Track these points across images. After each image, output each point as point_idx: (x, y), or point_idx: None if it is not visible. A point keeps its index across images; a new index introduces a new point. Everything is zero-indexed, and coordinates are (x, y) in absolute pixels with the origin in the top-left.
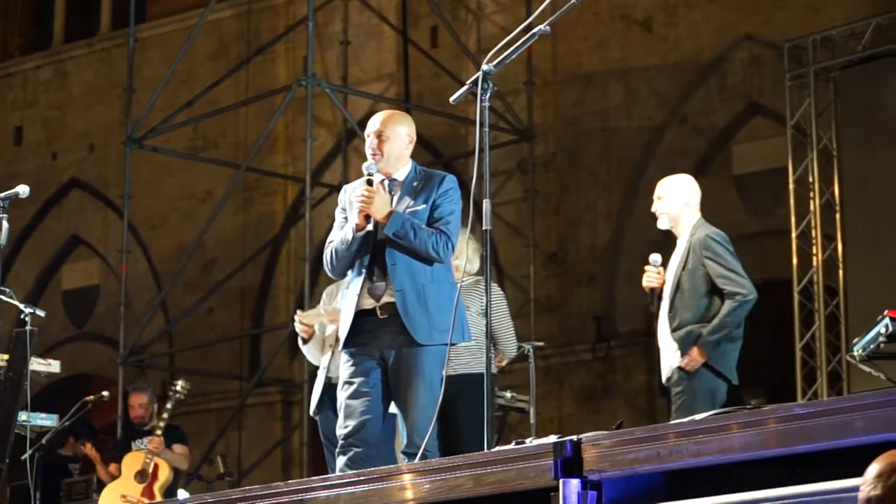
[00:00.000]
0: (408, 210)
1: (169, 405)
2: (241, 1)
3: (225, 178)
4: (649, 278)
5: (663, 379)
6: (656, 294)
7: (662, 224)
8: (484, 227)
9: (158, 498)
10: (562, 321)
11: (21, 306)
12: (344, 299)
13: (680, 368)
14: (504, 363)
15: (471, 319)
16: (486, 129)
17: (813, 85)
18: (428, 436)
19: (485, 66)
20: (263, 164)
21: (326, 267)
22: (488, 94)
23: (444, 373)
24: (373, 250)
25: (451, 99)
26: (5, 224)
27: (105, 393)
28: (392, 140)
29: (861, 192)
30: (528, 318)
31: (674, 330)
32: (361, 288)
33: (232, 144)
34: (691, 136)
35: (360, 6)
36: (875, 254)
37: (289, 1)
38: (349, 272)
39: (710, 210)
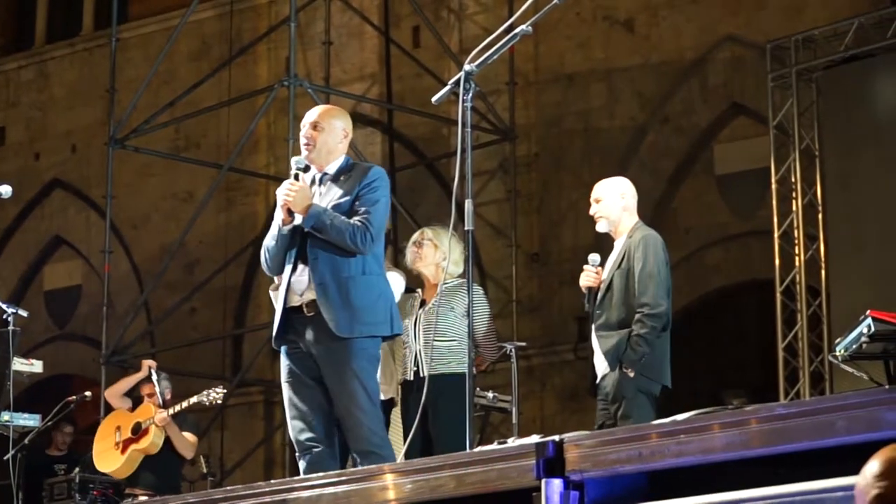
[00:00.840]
0: (332, 202)
1: (193, 399)
2: (223, 1)
3: (207, 178)
4: (587, 277)
5: (598, 378)
6: (592, 293)
7: (601, 227)
8: (466, 228)
9: (125, 456)
10: (544, 321)
11: (3, 307)
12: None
13: (608, 375)
14: (484, 366)
15: (455, 321)
16: (468, 130)
17: (795, 85)
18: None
19: (467, 67)
20: (245, 164)
21: (263, 266)
22: (470, 95)
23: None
24: (299, 246)
25: (433, 99)
26: None
27: (87, 393)
28: (327, 132)
29: (843, 193)
30: (511, 318)
31: (598, 329)
32: (288, 284)
33: (214, 145)
34: (674, 137)
35: (342, 6)
36: (858, 254)
37: (271, 1)
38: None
39: (692, 210)
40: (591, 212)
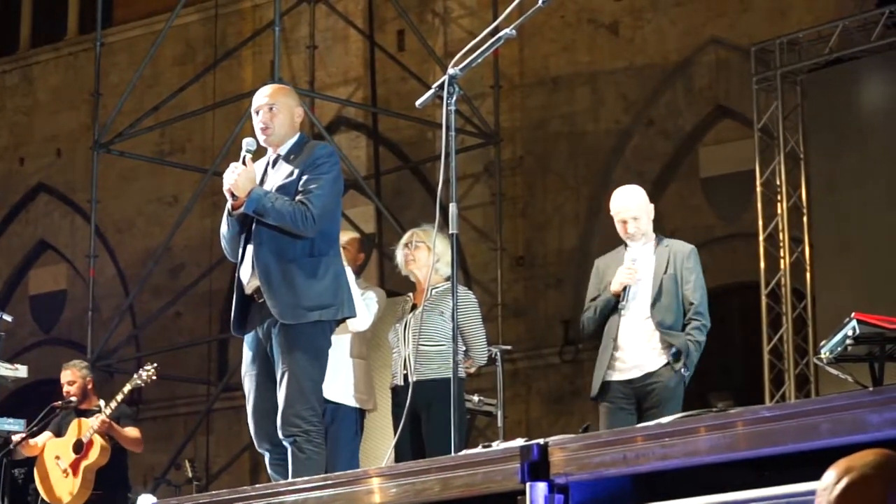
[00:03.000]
0: (278, 183)
1: (127, 387)
2: (208, 5)
3: (192, 182)
4: (628, 275)
5: (624, 376)
6: (628, 290)
7: (637, 241)
8: (451, 231)
9: (79, 477)
10: (529, 325)
11: None
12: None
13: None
14: (473, 369)
15: (445, 325)
16: (452, 133)
17: (780, 88)
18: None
19: (451, 70)
20: None
21: (225, 253)
22: (454, 98)
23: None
24: (248, 231)
25: (417, 103)
26: None
27: (73, 398)
28: (282, 111)
29: (828, 195)
30: (496, 321)
31: (661, 330)
32: (240, 269)
33: (199, 149)
34: (658, 139)
35: (326, 10)
36: (842, 256)
37: (255, 5)
38: None
39: (677, 213)
40: (630, 230)
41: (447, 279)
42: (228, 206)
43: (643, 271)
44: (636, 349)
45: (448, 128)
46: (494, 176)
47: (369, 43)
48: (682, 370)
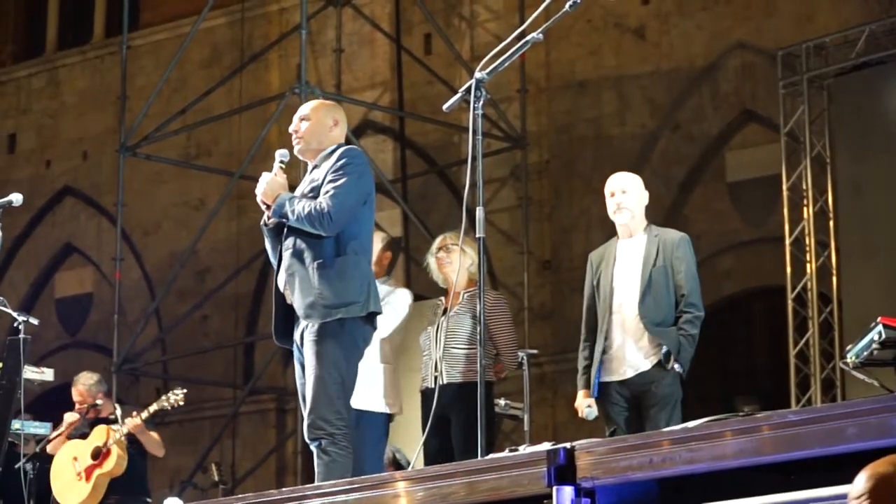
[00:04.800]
0: (307, 187)
1: (153, 407)
2: (235, 9)
3: (218, 185)
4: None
5: (621, 376)
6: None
7: (623, 218)
8: (477, 235)
9: (91, 483)
10: (556, 328)
11: (14, 314)
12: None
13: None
14: (504, 374)
15: (475, 329)
16: (479, 137)
17: (806, 92)
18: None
19: (477, 74)
20: (257, 171)
21: (273, 265)
22: (481, 102)
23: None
24: (283, 239)
25: (444, 107)
26: None
27: (99, 401)
28: (313, 122)
29: (855, 200)
30: (523, 325)
31: (649, 325)
32: (277, 280)
33: (225, 152)
34: (684, 144)
35: (353, 14)
36: (869, 261)
37: (282, 9)
38: None
39: (703, 217)
40: (616, 201)
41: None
42: (264, 217)
43: (631, 265)
44: (627, 349)
45: (475, 131)
46: (521, 180)
47: (396, 46)
48: (676, 367)
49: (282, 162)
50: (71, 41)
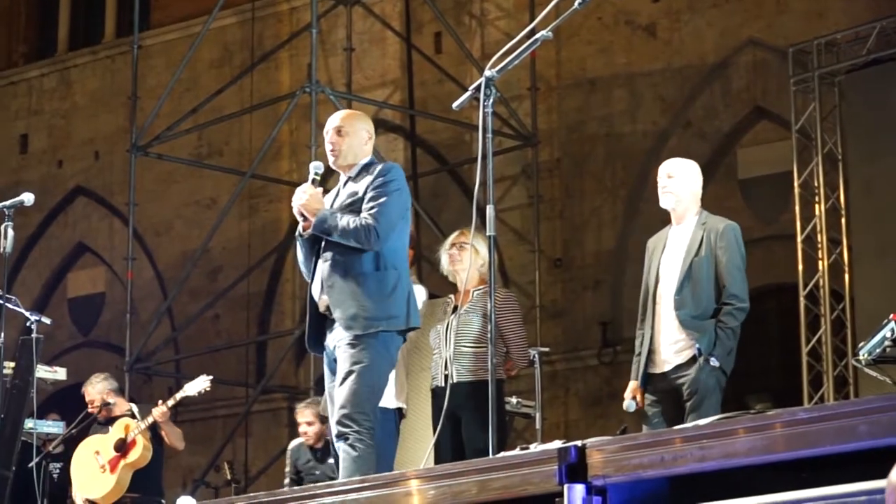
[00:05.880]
0: (345, 202)
1: (179, 395)
2: (245, 8)
3: (230, 184)
4: None
5: (659, 368)
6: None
7: (667, 203)
8: (488, 233)
9: (115, 475)
10: (567, 326)
11: (27, 314)
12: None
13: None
14: (514, 372)
15: (485, 327)
16: (489, 135)
17: (817, 89)
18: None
19: (487, 72)
20: (268, 170)
21: (304, 274)
22: (491, 100)
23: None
24: (318, 250)
25: (454, 105)
26: (10, 232)
27: (110, 400)
28: (351, 136)
29: (866, 196)
30: (534, 323)
31: (683, 318)
32: (312, 289)
33: (236, 151)
34: (696, 141)
35: (363, 13)
36: (881, 258)
37: (292, 8)
38: None
39: (715, 214)
40: (661, 185)
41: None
42: (299, 228)
43: (674, 255)
44: (666, 341)
45: (485, 130)
46: (532, 178)
47: (406, 45)
48: (712, 361)
49: (316, 174)
50: (82, 41)
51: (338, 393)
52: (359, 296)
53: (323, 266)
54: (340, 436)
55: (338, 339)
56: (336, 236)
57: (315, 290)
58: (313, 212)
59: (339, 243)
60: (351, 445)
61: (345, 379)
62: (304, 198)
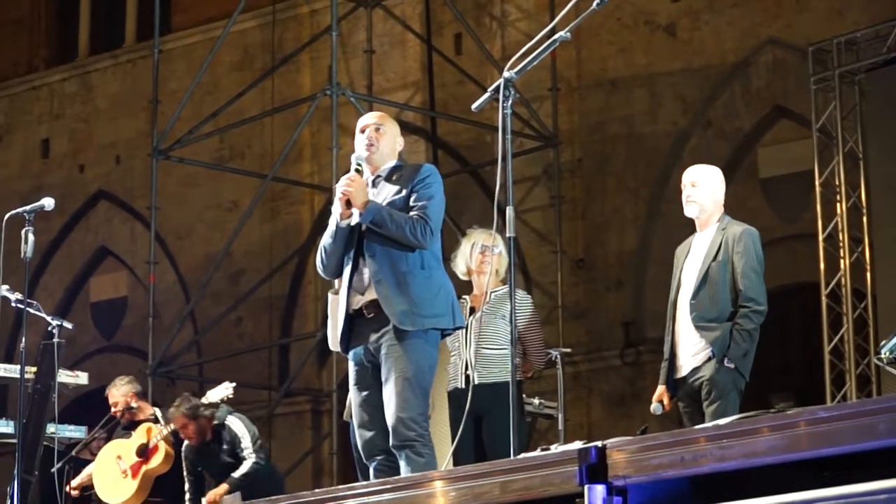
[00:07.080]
0: (387, 199)
1: (205, 399)
2: (265, 11)
3: (251, 187)
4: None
5: (680, 373)
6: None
7: (691, 212)
8: (508, 234)
9: (137, 480)
10: (590, 327)
11: (49, 319)
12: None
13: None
14: (531, 373)
15: (506, 328)
16: (509, 137)
17: (838, 88)
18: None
19: (506, 73)
20: (290, 173)
21: (319, 267)
22: (510, 101)
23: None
24: (357, 245)
25: (473, 106)
26: (31, 236)
27: (133, 404)
28: (388, 135)
29: (888, 195)
30: (556, 324)
31: (698, 321)
32: (349, 285)
33: (258, 154)
34: (716, 141)
35: (384, 15)
36: None
37: (313, 10)
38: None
39: (736, 214)
40: (686, 194)
41: (505, 282)
42: (336, 215)
43: (694, 259)
44: (685, 346)
45: (504, 131)
46: (553, 178)
47: (427, 47)
48: (727, 363)
49: (358, 164)
50: (103, 46)
51: (388, 394)
52: (409, 292)
53: (370, 262)
54: (405, 444)
55: (378, 338)
56: (390, 228)
57: (358, 284)
58: (361, 200)
59: (382, 239)
60: (417, 453)
61: (395, 380)
62: (353, 186)
